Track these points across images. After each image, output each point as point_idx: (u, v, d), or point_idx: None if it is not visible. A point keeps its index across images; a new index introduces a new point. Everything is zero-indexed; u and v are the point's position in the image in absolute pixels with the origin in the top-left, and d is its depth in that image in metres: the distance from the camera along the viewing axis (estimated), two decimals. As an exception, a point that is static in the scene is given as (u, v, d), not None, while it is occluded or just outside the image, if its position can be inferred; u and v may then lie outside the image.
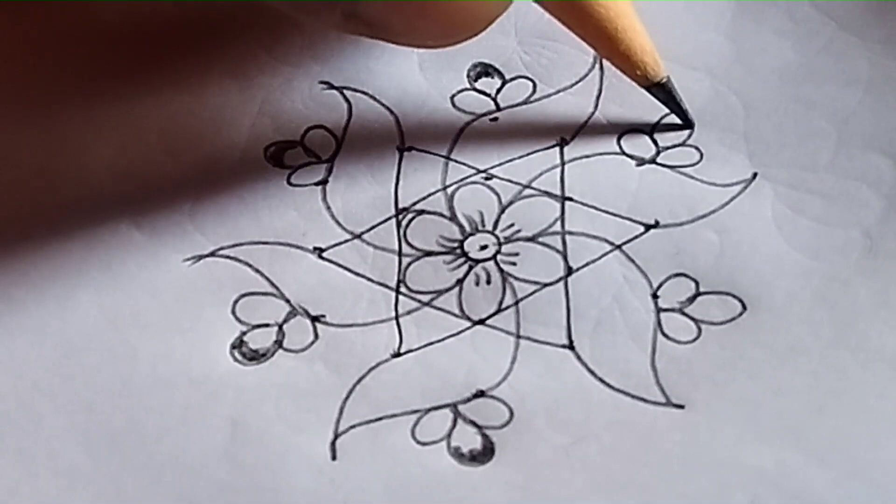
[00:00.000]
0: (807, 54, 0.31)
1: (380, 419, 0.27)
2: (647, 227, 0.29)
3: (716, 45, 0.31)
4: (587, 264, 0.28)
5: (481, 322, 0.28)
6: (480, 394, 0.27)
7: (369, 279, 0.29)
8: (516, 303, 0.28)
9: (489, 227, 0.29)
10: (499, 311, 0.28)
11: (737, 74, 0.31)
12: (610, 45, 0.29)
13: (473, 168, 0.30)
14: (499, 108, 0.31)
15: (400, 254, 0.29)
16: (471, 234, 0.29)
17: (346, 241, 0.29)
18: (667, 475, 0.26)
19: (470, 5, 0.26)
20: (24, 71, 0.32)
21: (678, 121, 0.30)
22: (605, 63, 0.31)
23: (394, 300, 0.28)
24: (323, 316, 0.28)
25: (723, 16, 0.32)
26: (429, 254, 0.29)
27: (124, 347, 0.28)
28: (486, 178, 0.30)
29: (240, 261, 0.29)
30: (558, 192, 0.29)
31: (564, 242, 0.29)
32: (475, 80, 0.31)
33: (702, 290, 0.28)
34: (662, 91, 0.30)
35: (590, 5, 0.28)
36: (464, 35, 0.27)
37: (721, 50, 0.31)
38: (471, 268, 0.29)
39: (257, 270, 0.29)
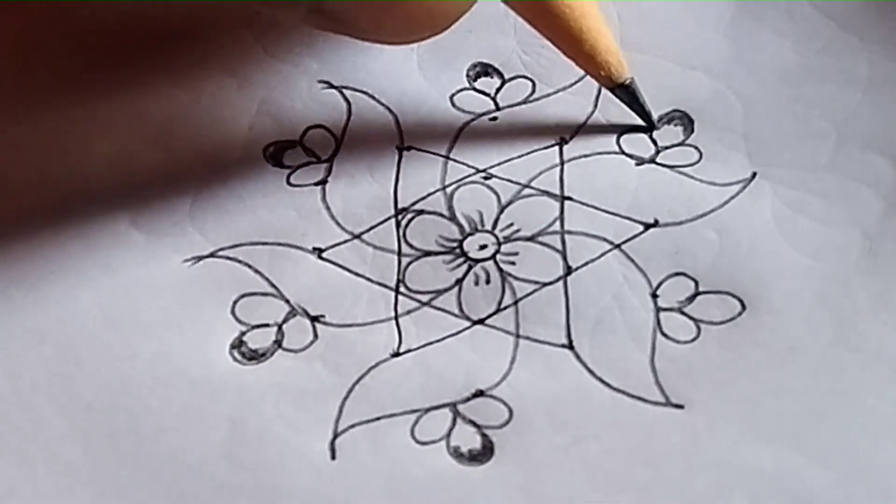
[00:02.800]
0: (806, 54, 0.31)
1: (379, 419, 0.27)
2: (647, 227, 0.29)
3: (715, 44, 0.31)
4: (586, 264, 0.28)
5: (481, 322, 0.28)
6: (480, 393, 0.27)
7: (369, 279, 0.29)
8: (515, 302, 0.28)
9: (488, 226, 0.29)
10: (498, 310, 0.28)
11: (736, 74, 0.31)
12: (574, 46, 0.29)
13: (473, 168, 0.30)
14: (498, 108, 0.31)
15: (399, 254, 0.29)
16: (470, 234, 0.29)
17: (346, 241, 0.29)
18: (666, 475, 0.26)
19: (435, 3, 0.26)
20: (23, 70, 0.32)
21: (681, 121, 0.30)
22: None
23: (393, 300, 0.28)
24: (322, 316, 0.28)
25: (722, 15, 0.32)
26: (428, 254, 0.29)
27: (124, 347, 0.28)
28: (486, 178, 0.30)
29: (239, 261, 0.29)
30: (558, 192, 0.29)
31: (564, 242, 0.29)
32: (475, 80, 0.31)
33: (701, 289, 0.28)
34: (626, 92, 0.29)
35: (554, 5, 0.28)
36: (428, 32, 0.27)
37: (721, 49, 0.31)
38: (470, 267, 0.29)
39: (257, 271, 0.29)
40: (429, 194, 0.30)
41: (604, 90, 0.30)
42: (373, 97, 0.31)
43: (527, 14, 0.28)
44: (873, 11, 0.31)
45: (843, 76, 0.31)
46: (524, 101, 0.31)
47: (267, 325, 0.28)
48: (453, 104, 0.31)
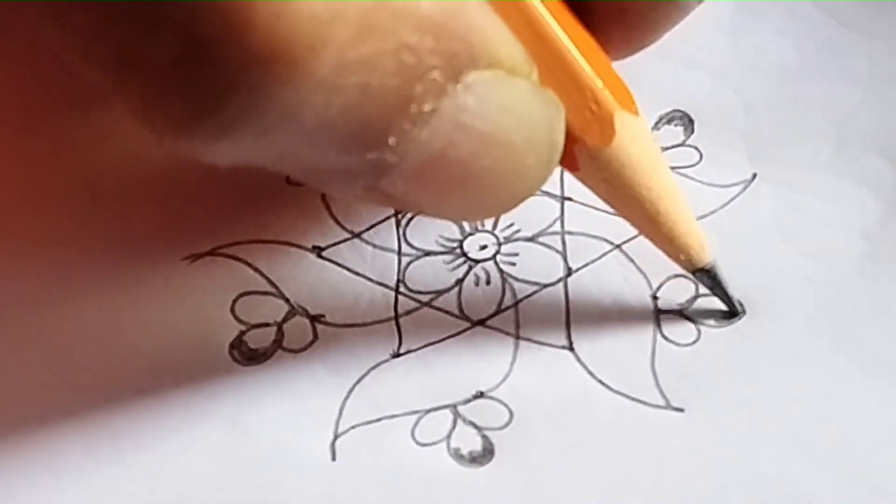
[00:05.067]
0: (807, 53, 0.31)
1: (379, 420, 0.27)
2: (647, 228, 0.29)
3: (715, 43, 0.31)
4: (587, 265, 0.28)
5: (481, 322, 0.28)
6: (480, 395, 0.27)
7: (368, 278, 0.29)
8: (516, 303, 0.28)
9: (489, 226, 0.29)
10: (498, 311, 0.28)
11: (736, 73, 0.31)
12: (652, 229, 0.26)
13: (473, 166, 0.30)
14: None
15: (399, 253, 0.29)
16: (470, 234, 0.29)
17: (346, 239, 0.29)
18: (666, 478, 0.26)
19: (504, 184, 0.23)
20: (24, 71, 0.32)
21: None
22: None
23: (393, 300, 0.28)
24: (322, 315, 0.28)
25: (722, 14, 0.32)
26: (428, 253, 0.29)
27: (124, 347, 0.28)
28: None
29: (239, 259, 0.29)
30: (558, 192, 0.29)
31: (564, 242, 0.29)
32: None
33: (701, 291, 0.28)
34: (707, 276, 0.27)
35: (631, 187, 0.25)
36: (493, 214, 0.25)
37: (721, 48, 0.31)
38: (470, 268, 0.29)
39: (256, 269, 0.29)
40: (429, 193, 0.30)
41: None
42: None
43: (601, 193, 0.26)
44: (874, 9, 0.31)
45: (844, 75, 0.30)
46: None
47: (267, 325, 0.28)
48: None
